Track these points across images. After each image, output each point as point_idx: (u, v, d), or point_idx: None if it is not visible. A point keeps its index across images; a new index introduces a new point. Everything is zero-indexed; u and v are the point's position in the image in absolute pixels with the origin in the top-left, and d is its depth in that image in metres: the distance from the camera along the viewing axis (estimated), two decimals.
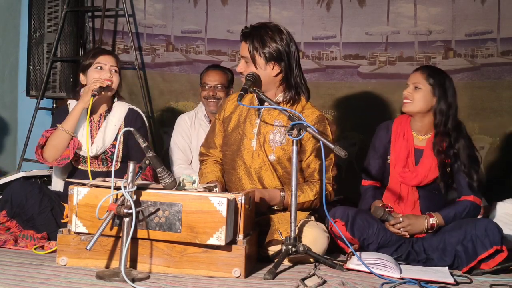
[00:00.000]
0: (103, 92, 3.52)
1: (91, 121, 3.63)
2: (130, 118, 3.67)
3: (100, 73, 3.57)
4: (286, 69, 3.33)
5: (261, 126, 3.40)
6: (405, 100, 3.46)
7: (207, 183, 3.34)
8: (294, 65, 3.35)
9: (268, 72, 3.31)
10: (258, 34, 3.30)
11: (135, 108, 3.75)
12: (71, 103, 3.69)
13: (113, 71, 3.61)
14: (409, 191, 3.45)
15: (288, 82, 3.36)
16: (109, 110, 3.68)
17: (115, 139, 3.60)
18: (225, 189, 3.43)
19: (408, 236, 3.34)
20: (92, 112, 3.64)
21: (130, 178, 2.71)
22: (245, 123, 3.43)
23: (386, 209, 3.42)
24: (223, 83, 4.28)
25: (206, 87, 4.27)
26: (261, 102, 3.36)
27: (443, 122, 3.40)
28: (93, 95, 3.45)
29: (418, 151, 3.48)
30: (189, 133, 4.35)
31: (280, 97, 3.38)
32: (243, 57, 3.35)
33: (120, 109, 3.68)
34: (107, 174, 3.46)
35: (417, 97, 3.42)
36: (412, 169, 3.45)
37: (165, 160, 4.56)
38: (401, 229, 3.33)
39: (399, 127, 3.52)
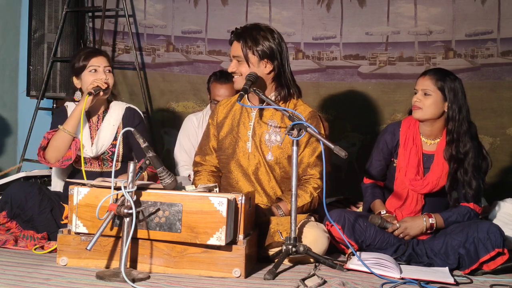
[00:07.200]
0: (101, 93, 3.51)
1: (90, 122, 3.63)
2: (128, 117, 3.66)
3: (96, 75, 3.55)
4: (278, 67, 3.37)
5: (256, 128, 3.42)
6: (414, 107, 3.39)
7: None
8: (286, 64, 3.40)
9: (261, 70, 3.35)
10: (250, 33, 3.35)
11: (132, 106, 3.74)
12: (69, 105, 3.69)
13: (107, 71, 3.59)
14: (417, 198, 3.42)
15: (279, 80, 3.40)
16: (106, 111, 3.67)
17: (115, 139, 3.60)
18: None
19: (408, 239, 3.34)
20: (91, 114, 3.64)
21: (130, 178, 2.71)
22: (238, 126, 3.45)
23: (385, 213, 3.42)
24: (232, 96, 4.23)
25: (215, 102, 4.21)
26: (261, 102, 3.38)
27: (455, 128, 3.34)
28: (90, 94, 3.44)
29: (427, 156, 3.44)
30: (195, 134, 4.34)
31: (272, 96, 3.40)
32: (235, 56, 3.38)
33: (118, 109, 3.68)
34: (108, 174, 3.46)
35: (427, 104, 3.36)
36: (423, 176, 3.41)
37: (166, 160, 4.57)
38: (400, 234, 3.33)
39: (407, 132, 3.46)
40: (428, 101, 3.37)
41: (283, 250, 2.98)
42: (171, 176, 2.87)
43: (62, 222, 3.38)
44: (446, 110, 3.38)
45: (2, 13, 5.34)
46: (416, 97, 3.40)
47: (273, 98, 3.38)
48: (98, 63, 3.58)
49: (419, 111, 3.38)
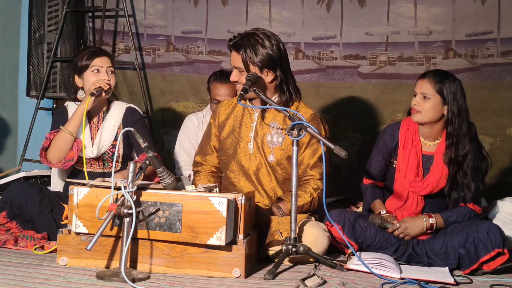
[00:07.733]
0: (103, 94, 3.51)
1: (90, 122, 3.62)
2: (127, 116, 3.66)
3: (98, 75, 3.55)
4: (280, 75, 3.36)
5: (258, 129, 3.42)
6: (413, 111, 3.38)
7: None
8: (287, 69, 3.39)
9: (263, 78, 3.34)
10: (248, 43, 3.30)
11: (132, 106, 3.74)
12: (69, 105, 3.68)
13: (110, 72, 3.59)
14: (418, 199, 3.42)
15: (282, 87, 3.39)
16: (107, 111, 3.67)
17: (115, 139, 3.60)
18: None
19: (409, 239, 3.34)
20: (91, 114, 3.63)
21: (130, 178, 2.71)
22: (240, 127, 3.45)
23: (385, 213, 3.42)
24: (232, 96, 4.23)
25: (215, 101, 4.21)
26: (262, 102, 3.38)
27: (455, 130, 3.33)
28: (92, 94, 3.44)
29: (426, 157, 3.43)
30: (195, 134, 4.33)
31: (274, 99, 3.39)
32: (236, 67, 3.35)
33: (118, 109, 3.68)
34: (108, 175, 3.45)
35: (427, 107, 3.34)
36: (422, 178, 3.41)
37: (166, 160, 4.56)
38: (400, 234, 3.33)
39: (407, 133, 3.45)
40: (427, 104, 3.35)
41: (283, 250, 2.98)
42: (171, 176, 2.87)
43: (62, 222, 3.38)
44: (445, 113, 3.37)
45: (2, 13, 5.34)
46: (415, 100, 3.38)
47: (276, 101, 3.37)
48: (101, 63, 3.58)
49: (418, 114, 3.37)
